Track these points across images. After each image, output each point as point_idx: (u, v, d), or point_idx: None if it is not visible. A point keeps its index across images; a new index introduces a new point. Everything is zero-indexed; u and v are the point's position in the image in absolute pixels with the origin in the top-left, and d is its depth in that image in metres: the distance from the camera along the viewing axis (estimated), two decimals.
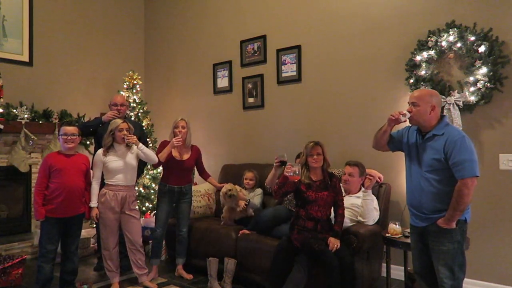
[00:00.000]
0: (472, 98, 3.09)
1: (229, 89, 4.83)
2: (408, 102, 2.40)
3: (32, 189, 4.37)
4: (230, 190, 3.62)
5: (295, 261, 2.88)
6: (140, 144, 3.25)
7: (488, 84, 3.03)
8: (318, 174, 3.00)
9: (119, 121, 3.27)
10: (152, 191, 4.75)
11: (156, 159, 3.35)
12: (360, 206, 3.15)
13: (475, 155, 2.20)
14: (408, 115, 2.35)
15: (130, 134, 3.21)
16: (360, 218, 3.14)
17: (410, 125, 2.47)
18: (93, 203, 3.17)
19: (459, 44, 3.17)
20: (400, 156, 3.49)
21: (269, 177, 3.14)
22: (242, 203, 3.62)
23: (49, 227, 3.00)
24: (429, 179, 2.28)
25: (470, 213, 2.31)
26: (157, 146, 4.06)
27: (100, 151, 3.22)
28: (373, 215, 3.12)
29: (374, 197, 3.16)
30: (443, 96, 3.19)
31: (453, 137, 2.22)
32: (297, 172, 2.76)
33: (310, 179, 2.96)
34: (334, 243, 2.81)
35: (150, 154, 3.30)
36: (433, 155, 2.26)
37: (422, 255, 2.41)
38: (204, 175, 3.76)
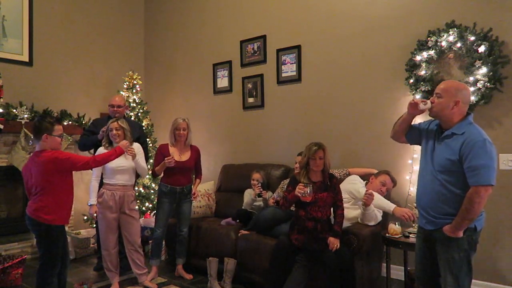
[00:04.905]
0: (472, 98, 3.08)
1: (229, 89, 4.83)
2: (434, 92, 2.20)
3: None
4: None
5: (295, 261, 2.88)
6: (137, 158, 3.25)
7: (488, 84, 3.03)
8: (318, 175, 2.99)
9: (112, 121, 3.29)
10: (152, 191, 4.75)
11: (145, 176, 3.58)
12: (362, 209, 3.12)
13: (495, 161, 1.99)
14: (429, 104, 2.14)
15: (126, 139, 3.18)
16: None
17: (432, 118, 2.28)
18: (92, 200, 3.16)
19: (459, 44, 3.17)
20: (401, 156, 3.52)
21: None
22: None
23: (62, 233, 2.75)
24: (441, 180, 2.11)
25: (482, 220, 2.12)
26: (157, 146, 4.06)
27: (102, 148, 3.24)
28: (375, 218, 3.11)
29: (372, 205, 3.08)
30: None
31: (472, 138, 2.01)
32: (308, 192, 2.79)
33: (309, 180, 2.95)
34: (334, 243, 2.81)
35: (142, 169, 3.33)
36: (448, 155, 2.08)
37: (424, 260, 2.29)
38: (198, 176, 3.74)
